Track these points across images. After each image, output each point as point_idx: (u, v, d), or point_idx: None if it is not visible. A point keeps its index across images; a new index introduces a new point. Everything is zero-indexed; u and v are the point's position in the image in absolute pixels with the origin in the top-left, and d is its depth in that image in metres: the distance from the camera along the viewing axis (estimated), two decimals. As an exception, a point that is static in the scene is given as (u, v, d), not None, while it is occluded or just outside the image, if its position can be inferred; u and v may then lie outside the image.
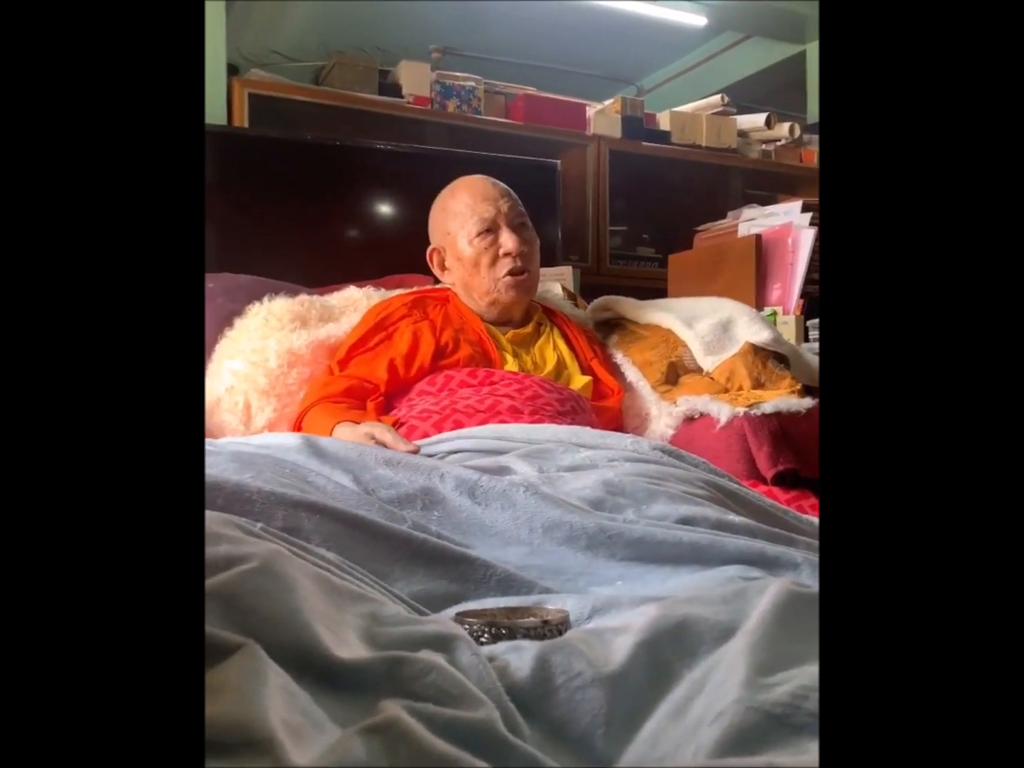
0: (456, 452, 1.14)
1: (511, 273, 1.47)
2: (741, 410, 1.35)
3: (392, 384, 1.41)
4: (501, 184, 1.54)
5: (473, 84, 2.86)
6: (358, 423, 1.24)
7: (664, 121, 3.12)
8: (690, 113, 3.17)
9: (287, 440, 1.00)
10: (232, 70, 2.59)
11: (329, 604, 0.55)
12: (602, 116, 3.00)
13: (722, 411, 1.37)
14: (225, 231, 2.20)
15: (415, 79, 2.76)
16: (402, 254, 2.02)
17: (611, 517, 0.85)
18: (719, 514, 0.91)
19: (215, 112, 2.44)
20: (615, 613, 0.67)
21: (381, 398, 1.40)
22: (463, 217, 1.49)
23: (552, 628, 0.61)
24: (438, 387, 1.38)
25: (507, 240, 1.46)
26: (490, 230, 1.47)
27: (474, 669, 0.49)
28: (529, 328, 1.55)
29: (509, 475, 0.98)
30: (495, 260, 1.47)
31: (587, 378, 1.51)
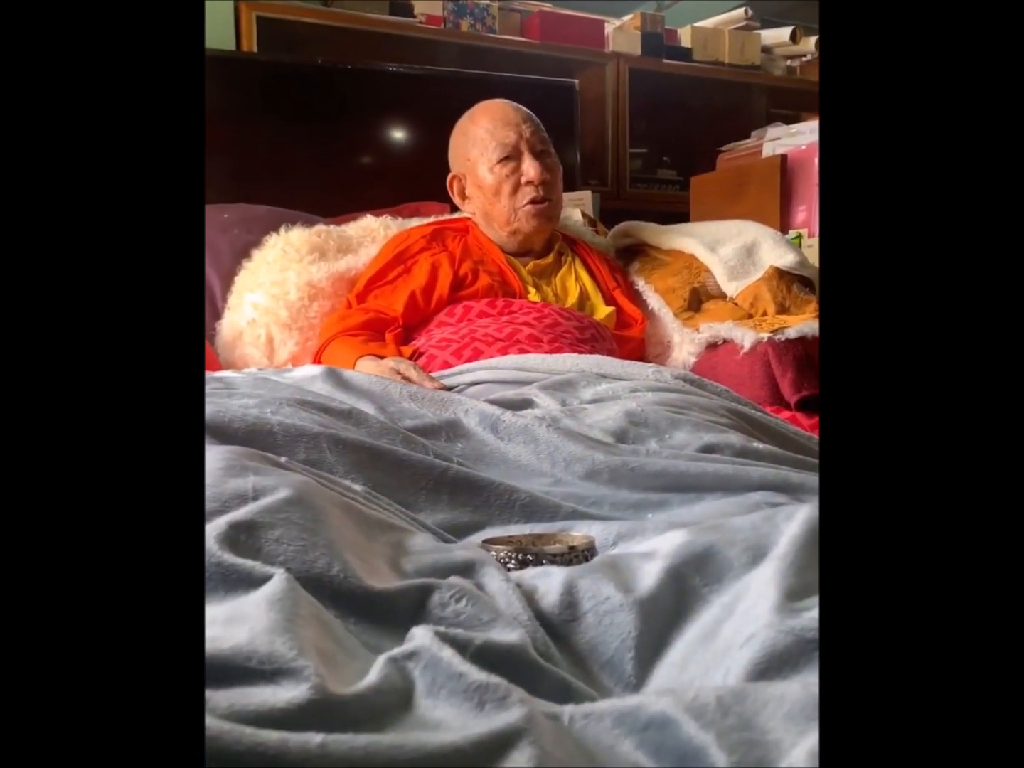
0: (477, 383, 1.14)
1: (533, 201, 1.44)
2: (765, 335, 1.33)
3: (411, 316, 1.40)
4: (524, 108, 1.50)
5: (487, 2, 2.77)
6: (381, 357, 1.24)
7: (685, 37, 3.01)
8: (712, 28, 3.05)
9: (311, 371, 1.00)
10: (239, -8, 2.51)
11: (358, 534, 0.55)
12: (621, 33, 2.90)
13: (746, 337, 1.35)
14: (237, 160, 2.16)
15: (427, -2, 2.67)
16: (417, 180, 1.98)
17: (634, 450, 0.85)
18: (743, 441, 0.91)
19: (223, 37, 2.38)
20: (641, 539, 0.68)
21: (400, 330, 1.39)
22: (484, 143, 1.45)
23: (579, 554, 0.62)
24: (457, 317, 1.37)
25: (529, 167, 1.43)
26: (511, 157, 1.44)
27: (503, 594, 0.50)
28: (550, 258, 1.52)
29: (532, 408, 0.98)
30: (516, 188, 1.44)
31: (610, 308, 1.49)
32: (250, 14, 2.41)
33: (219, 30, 2.37)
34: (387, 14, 2.63)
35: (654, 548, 0.57)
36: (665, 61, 2.93)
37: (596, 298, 1.50)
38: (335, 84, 2.29)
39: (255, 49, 2.40)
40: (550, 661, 0.45)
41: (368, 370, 1.17)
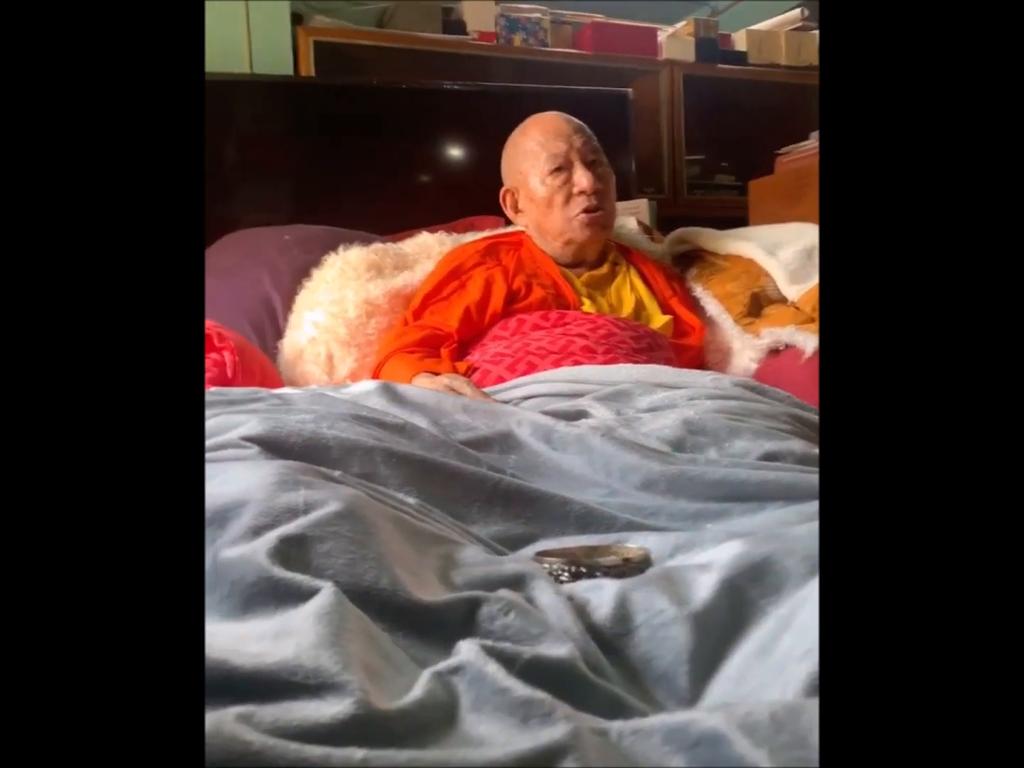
0: (531, 397, 1.13)
1: (586, 211, 1.43)
2: (828, 340, 1.29)
3: (466, 331, 1.41)
4: (574, 119, 1.50)
5: (539, 16, 2.78)
6: (436, 373, 1.25)
7: (740, 41, 2.97)
8: (767, 31, 3.00)
9: (366, 386, 1.01)
10: (296, 19, 2.58)
11: (408, 547, 0.55)
12: (674, 40, 2.88)
13: (808, 341, 1.32)
14: (297, 181, 2.21)
15: (479, 15, 2.70)
16: (472, 196, 1.99)
17: (692, 459, 0.84)
18: (805, 448, 0.88)
19: (282, 62, 2.44)
20: (699, 550, 0.66)
21: (455, 345, 1.40)
22: (535, 156, 1.46)
23: (633, 566, 0.60)
24: (511, 331, 1.37)
25: (581, 178, 1.42)
26: (563, 168, 1.44)
27: (554, 608, 0.49)
28: (604, 269, 1.51)
29: (586, 419, 0.97)
30: (569, 199, 1.44)
31: (667, 317, 1.47)
32: (307, 39, 2.47)
33: (278, 56, 2.43)
34: (440, 32, 2.67)
35: (710, 559, 0.56)
36: (720, 66, 2.90)
37: (652, 307, 1.48)
38: (391, 104, 2.32)
39: (313, 73, 2.46)
40: (602, 676, 0.44)
41: (424, 387, 1.17)
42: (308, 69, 2.47)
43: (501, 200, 1.55)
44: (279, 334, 1.61)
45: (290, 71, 2.46)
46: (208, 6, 2.20)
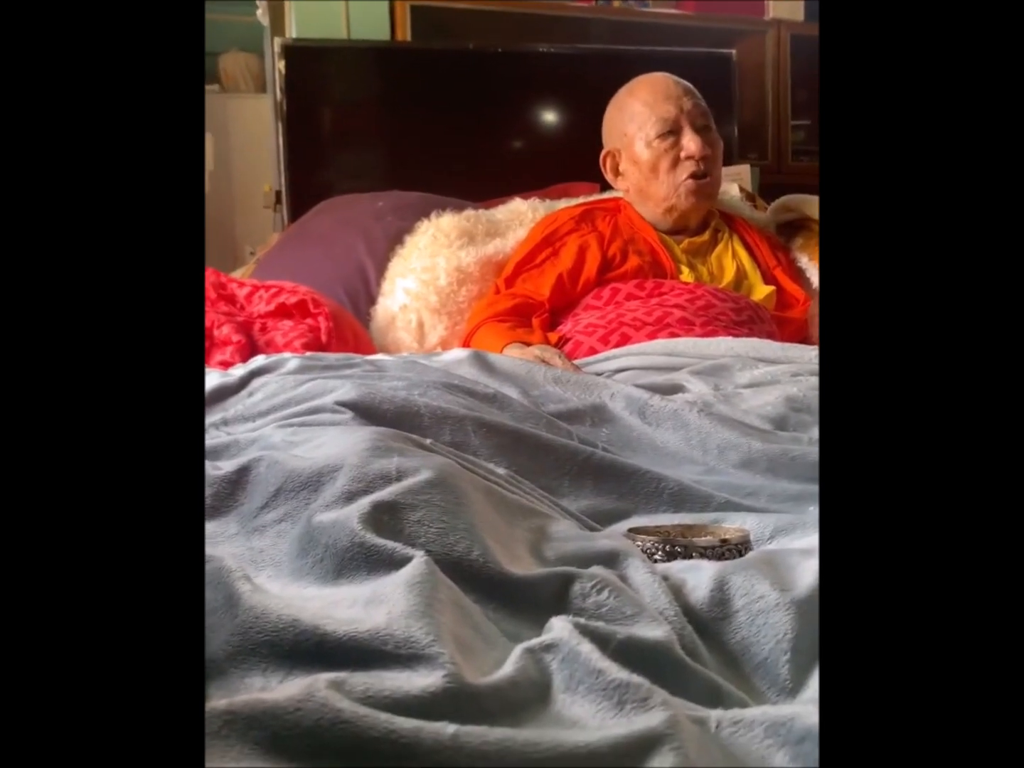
0: (624, 370, 1.11)
1: (693, 176, 1.39)
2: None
3: (558, 300, 1.39)
4: (684, 82, 1.45)
5: (640, -25, 2.70)
6: (528, 343, 1.24)
7: (854, -2, 2.82)
8: (884, -14, 2.84)
9: (458, 354, 1.00)
10: (394, -16, 2.58)
11: (500, 518, 0.54)
12: (782, -2, 2.75)
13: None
14: (392, 148, 2.22)
15: (579, -24, 2.64)
16: (568, 162, 1.96)
17: (795, 438, 0.80)
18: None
19: (379, 28, 2.44)
20: (800, 534, 0.63)
21: (547, 315, 1.38)
22: (642, 118, 1.42)
23: (732, 548, 0.58)
24: (604, 300, 1.35)
25: (689, 142, 1.38)
26: (672, 131, 1.40)
27: (648, 587, 0.48)
28: (706, 236, 1.47)
29: (682, 394, 0.94)
30: (675, 163, 1.40)
31: (770, 288, 1.42)
32: (404, 4, 2.47)
33: (375, 23, 2.43)
34: (538, -5, 2.62)
35: (813, 544, 0.53)
36: (831, 25, 2.76)
37: (754, 277, 1.43)
38: (487, 68, 2.30)
39: (409, 38, 2.45)
40: (698, 661, 0.42)
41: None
42: (405, 34, 2.47)
43: (601, 162, 1.51)
44: (372, 300, 1.63)
45: (387, 36, 2.46)
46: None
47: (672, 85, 1.43)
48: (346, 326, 1.45)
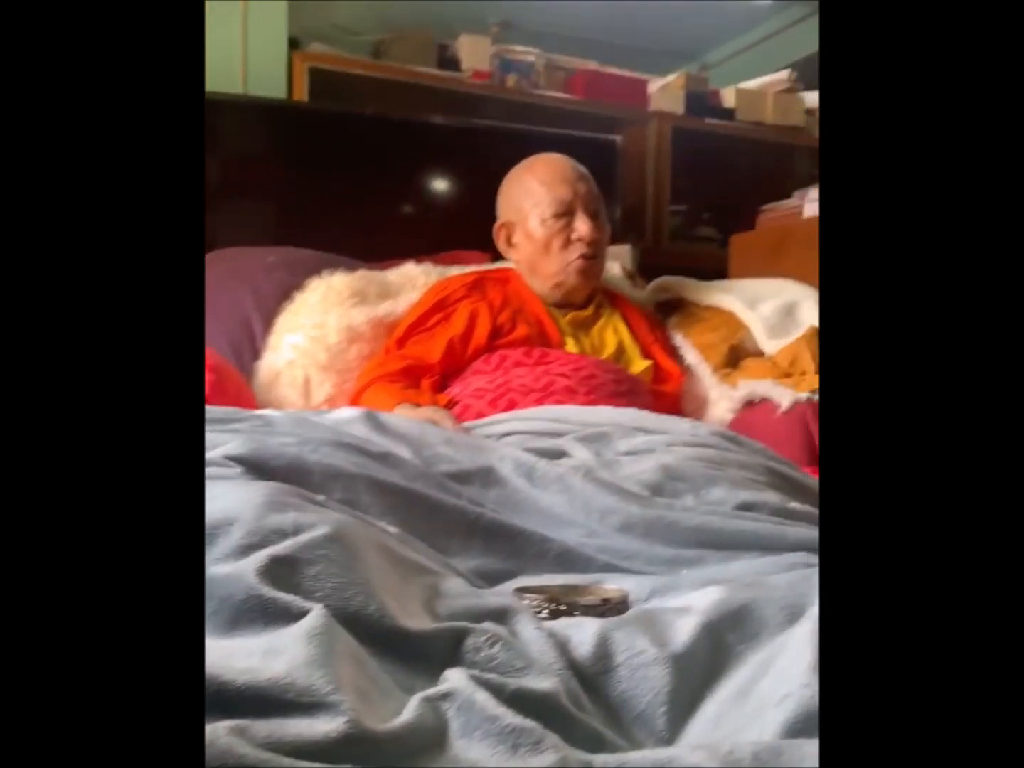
0: (511, 434, 1.14)
1: (582, 257, 1.46)
2: (804, 395, 1.32)
3: (448, 364, 1.42)
4: (580, 167, 1.53)
5: (533, 59, 2.84)
6: (418, 404, 1.25)
7: (729, 98, 3.05)
8: (756, 90, 3.09)
9: (349, 413, 1.01)
10: (293, 44, 2.61)
11: (394, 575, 0.55)
12: (664, 92, 2.95)
13: (784, 396, 1.34)
14: (285, 204, 2.22)
15: (474, 53, 2.75)
16: (459, 230, 2.01)
17: (669, 504, 0.85)
18: (781, 501, 0.90)
19: (276, 86, 2.46)
20: (675, 595, 0.67)
21: (437, 377, 1.41)
22: (539, 196, 1.48)
23: (612, 607, 0.61)
24: (493, 366, 1.38)
25: (582, 225, 1.45)
26: (566, 213, 1.47)
27: (536, 642, 0.50)
28: (590, 311, 1.54)
29: (566, 459, 0.98)
30: (567, 243, 1.46)
31: (647, 362, 1.49)
32: (302, 65, 2.50)
33: (272, 80, 2.45)
34: (435, 67, 2.71)
35: (689, 603, 0.57)
36: (708, 121, 2.97)
37: (633, 351, 1.50)
38: (382, 134, 2.34)
39: (306, 98, 2.48)
40: (582, 711, 0.45)
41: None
42: (302, 94, 2.50)
43: (495, 233, 1.57)
44: (257, 355, 1.61)
45: (283, 95, 2.48)
46: (207, 25, 2.23)
47: (569, 169, 1.50)
48: (228, 380, 1.43)
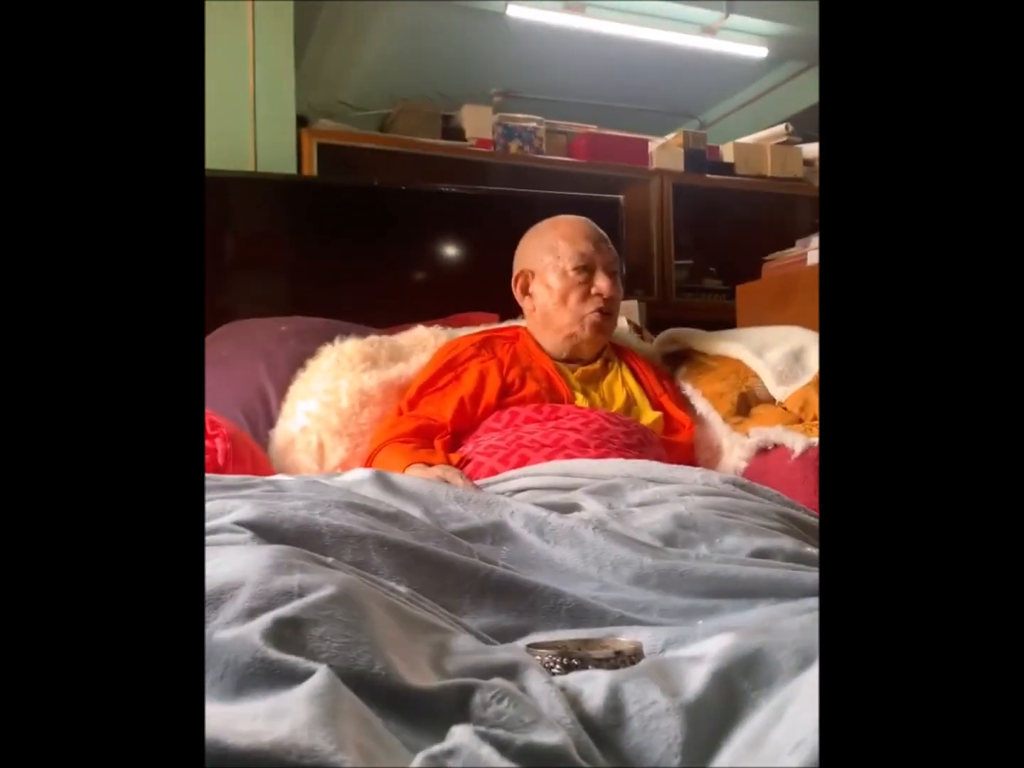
0: (524, 490, 1.14)
1: (599, 311, 1.49)
2: (816, 440, 1.32)
3: (459, 423, 1.43)
4: (600, 230, 1.57)
5: (535, 125, 2.91)
6: (430, 464, 1.26)
7: (728, 153, 3.11)
8: (753, 144, 3.15)
9: (360, 474, 1.01)
10: (301, 122, 2.69)
11: (401, 633, 0.55)
12: (664, 150, 3.01)
13: (796, 441, 1.34)
14: (296, 276, 2.27)
15: (477, 122, 2.83)
16: (468, 293, 2.05)
17: (683, 554, 0.84)
18: (796, 546, 0.89)
19: (285, 161, 2.53)
20: (690, 645, 0.66)
21: (448, 436, 1.41)
22: (561, 250, 1.51)
23: (625, 659, 0.60)
24: (504, 423, 1.39)
25: (601, 282, 1.49)
26: (586, 268, 1.50)
27: (546, 697, 0.49)
28: (598, 365, 1.55)
29: (578, 512, 0.98)
30: (585, 297, 1.49)
31: (657, 413, 1.49)
32: (311, 141, 2.58)
33: (282, 156, 2.53)
34: (440, 138, 2.79)
35: (701, 651, 0.56)
36: (708, 176, 3.02)
37: (643, 403, 1.51)
38: (390, 204, 2.40)
39: (315, 173, 2.55)
40: (594, 765, 0.44)
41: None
42: (311, 169, 2.57)
43: (513, 281, 1.59)
44: (271, 423, 1.62)
45: (293, 170, 2.55)
46: (217, 105, 2.31)
47: (591, 229, 1.55)
48: (244, 447, 1.44)
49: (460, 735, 0.40)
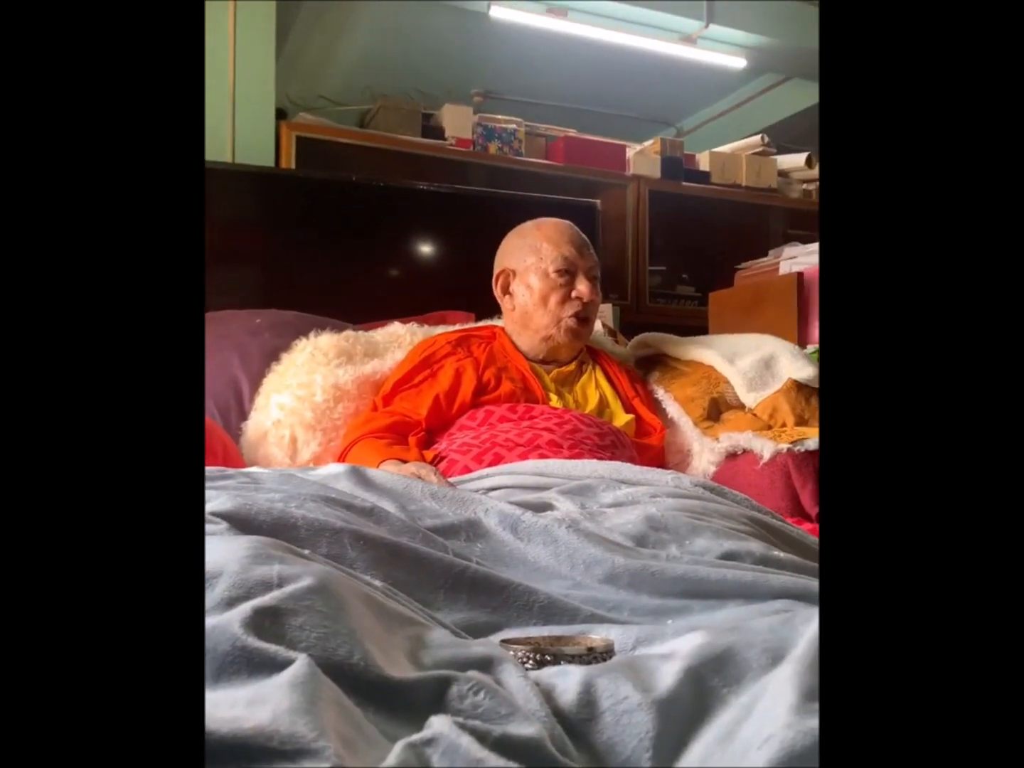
0: (497, 488, 1.15)
1: (576, 316, 1.50)
2: (784, 447, 1.34)
3: (434, 420, 1.43)
4: (585, 237, 1.58)
5: (514, 126, 2.92)
6: (404, 461, 1.26)
7: (704, 161, 3.14)
8: (729, 153, 3.19)
9: (335, 469, 1.01)
10: (280, 114, 2.68)
11: (379, 625, 0.55)
12: (642, 157, 3.04)
13: (765, 447, 1.36)
14: (272, 269, 2.26)
15: (457, 122, 2.83)
16: (444, 291, 2.05)
17: (654, 554, 0.85)
18: (763, 550, 0.91)
19: (264, 154, 2.52)
20: (659, 644, 0.67)
21: (423, 433, 1.42)
22: (545, 251, 1.52)
23: (597, 655, 0.61)
24: (478, 421, 1.39)
25: (582, 286, 1.50)
26: (568, 271, 1.51)
27: (521, 690, 0.50)
28: (572, 367, 1.56)
29: (551, 511, 0.98)
30: (564, 300, 1.50)
31: (629, 416, 1.51)
32: (290, 134, 2.57)
33: (261, 148, 2.51)
34: (419, 136, 2.79)
35: (673, 649, 0.57)
36: (684, 184, 3.06)
37: (616, 406, 1.52)
38: (368, 200, 2.40)
39: (293, 166, 2.54)
40: (567, 758, 0.45)
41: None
42: (289, 163, 2.56)
43: (494, 279, 1.59)
44: (244, 415, 1.61)
45: (271, 163, 2.54)
46: (197, 97, 2.29)
47: (575, 233, 1.56)
48: (215, 439, 1.43)
49: (439, 725, 0.41)
